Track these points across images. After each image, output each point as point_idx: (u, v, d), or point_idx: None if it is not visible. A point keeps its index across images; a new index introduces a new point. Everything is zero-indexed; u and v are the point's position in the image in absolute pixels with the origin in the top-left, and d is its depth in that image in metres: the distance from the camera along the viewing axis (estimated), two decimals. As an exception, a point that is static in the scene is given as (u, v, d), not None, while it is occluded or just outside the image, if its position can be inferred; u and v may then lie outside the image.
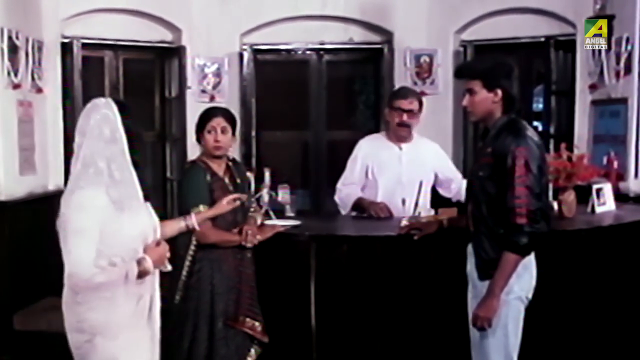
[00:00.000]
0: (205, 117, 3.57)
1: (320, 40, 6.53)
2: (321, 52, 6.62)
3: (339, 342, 3.80)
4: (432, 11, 6.30)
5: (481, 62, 3.61)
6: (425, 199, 4.32)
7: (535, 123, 6.53)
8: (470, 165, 4.23)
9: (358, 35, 6.55)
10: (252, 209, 3.72)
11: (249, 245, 3.50)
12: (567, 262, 3.78)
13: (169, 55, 6.38)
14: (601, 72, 5.30)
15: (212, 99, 6.28)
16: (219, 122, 3.54)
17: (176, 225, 3.12)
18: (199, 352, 3.45)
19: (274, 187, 4.24)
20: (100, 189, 2.56)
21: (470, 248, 3.25)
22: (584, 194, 4.30)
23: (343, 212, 4.48)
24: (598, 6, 5.29)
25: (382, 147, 4.45)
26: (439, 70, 6.32)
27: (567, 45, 5.88)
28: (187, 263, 3.47)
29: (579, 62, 5.64)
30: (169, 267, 2.81)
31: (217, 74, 6.37)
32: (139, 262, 2.62)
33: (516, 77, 3.20)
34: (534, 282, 3.16)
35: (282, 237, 3.77)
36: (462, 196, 3.83)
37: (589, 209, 4.32)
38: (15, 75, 5.02)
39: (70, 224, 2.54)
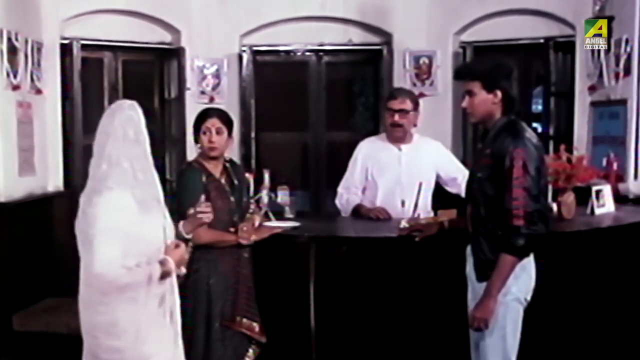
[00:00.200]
0: (201, 118, 3.58)
1: (320, 42, 6.53)
2: (320, 54, 6.61)
3: (339, 343, 3.80)
4: (432, 12, 6.29)
5: (481, 64, 3.60)
6: (426, 200, 4.31)
7: (535, 124, 6.52)
8: (469, 166, 4.22)
9: (357, 37, 6.54)
10: (250, 210, 3.72)
11: (243, 242, 3.50)
12: (567, 263, 3.78)
13: (168, 57, 6.37)
14: (600, 74, 5.30)
15: (211, 100, 6.28)
16: (213, 123, 3.54)
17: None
18: (196, 353, 3.44)
19: (273, 189, 4.24)
20: (127, 190, 2.57)
21: (469, 249, 3.25)
22: (583, 196, 4.30)
23: (343, 215, 4.48)
24: (597, 7, 5.29)
25: (381, 148, 4.44)
26: (439, 72, 6.31)
27: (567, 47, 5.87)
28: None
29: (579, 64, 5.63)
30: (184, 271, 2.81)
31: (217, 75, 6.37)
32: (162, 263, 2.65)
33: (516, 78, 3.19)
34: (533, 284, 3.16)
35: (281, 238, 3.77)
36: None
37: (588, 211, 4.33)
38: (15, 76, 5.01)
39: (97, 224, 2.52)
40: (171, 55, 6.34)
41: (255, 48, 6.44)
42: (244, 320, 3.54)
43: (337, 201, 4.54)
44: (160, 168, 6.41)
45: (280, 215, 4.19)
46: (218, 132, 3.54)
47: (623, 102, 5.09)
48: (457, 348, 3.38)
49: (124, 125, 2.62)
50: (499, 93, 3.12)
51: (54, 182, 5.61)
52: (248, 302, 3.57)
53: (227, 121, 3.60)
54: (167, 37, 6.33)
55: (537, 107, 6.83)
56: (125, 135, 2.61)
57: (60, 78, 5.67)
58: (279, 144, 6.84)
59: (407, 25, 6.33)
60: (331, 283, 3.78)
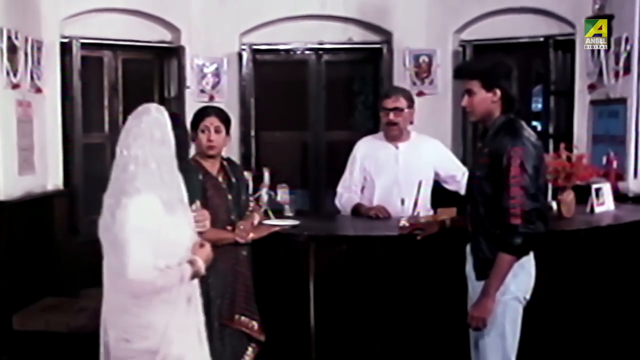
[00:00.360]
0: (199, 117, 3.58)
1: (320, 40, 6.53)
2: (320, 52, 6.61)
3: (338, 342, 3.80)
4: (431, 11, 6.29)
5: (480, 63, 3.61)
6: (425, 198, 4.30)
7: (534, 123, 6.53)
8: (469, 165, 4.22)
9: (357, 35, 6.55)
10: (250, 209, 3.72)
11: (241, 241, 3.49)
12: (566, 262, 3.78)
13: (168, 55, 6.37)
14: (600, 72, 5.30)
15: (211, 99, 6.28)
16: (212, 121, 3.54)
17: None
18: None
19: (273, 187, 4.24)
20: (155, 192, 2.58)
21: (469, 248, 3.25)
22: (583, 194, 4.30)
23: (343, 213, 4.49)
24: (597, 6, 5.29)
25: (379, 147, 4.44)
26: (438, 71, 6.32)
27: (566, 45, 5.87)
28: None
29: (578, 62, 5.64)
30: (203, 271, 2.82)
31: (216, 74, 6.37)
32: (191, 262, 2.68)
33: (515, 77, 3.19)
34: (532, 283, 3.16)
35: (281, 237, 3.77)
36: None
37: (588, 209, 4.33)
38: (15, 75, 5.01)
39: (128, 227, 2.52)
40: (171, 54, 6.34)
41: (255, 47, 6.44)
42: (243, 318, 3.54)
43: (336, 201, 4.54)
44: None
45: (280, 214, 4.19)
46: (217, 131, 3.53)
47: (623, 101, 5.09)
48: (457, 347, 3.38)
49: (151, 126, 2.63)
50: (498, 92, 3.12)
51: (54, 181, 5.62)
52: (247, 301, 3.57)
53: (225, 119, 3.60)
54: (167, 35, 6.33)
55: (537, 105, 6.84)
56: (152, 137, 2.62)
57: (60, 77, 5.67)
58: (278, 142, 6.83)
59: (407, 23, 6.33)
60: (331, 282, 3.77)
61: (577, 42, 5.64)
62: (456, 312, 3.30)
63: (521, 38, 6.06)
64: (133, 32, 6.12)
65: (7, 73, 4.94)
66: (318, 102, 6.66)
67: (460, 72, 3.43)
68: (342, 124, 6.90)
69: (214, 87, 6.37)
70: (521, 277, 3.09)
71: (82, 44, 5.81)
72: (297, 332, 3.82)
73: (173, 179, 2.67)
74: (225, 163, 3.65)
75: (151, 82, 6.43)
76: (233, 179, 3.61)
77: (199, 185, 3.45)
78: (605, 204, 4.40)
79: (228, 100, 6.20)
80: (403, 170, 4.34)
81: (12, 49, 4.99)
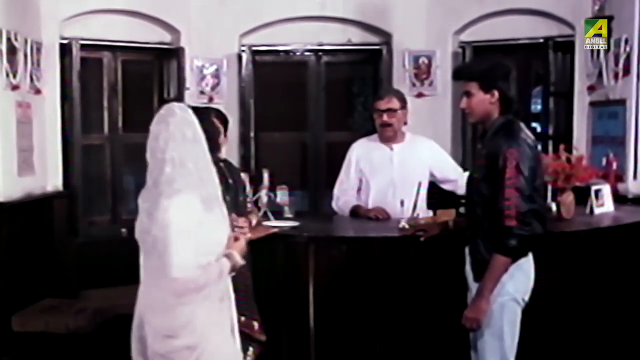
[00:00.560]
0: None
1: (319, 42, 6.53)
2: (320, 53, 6.61)
3: (338, 343, 3.80)
4: (431, 12, 6.30)
5: (478, 64, 3.61)
6: (421, 199, 4.29)
7: (534, 124, 6.53)
8: (468, 167, 4.22)
9: (356, 37, 6.55)
10: (248, 209, 3.71)
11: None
12: (566, 263, 3.78)
13: (167, 57, 6.37)
14: (600, 74, 5.30)
15: (210, 100, 6.28)
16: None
17: None
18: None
19: (272, 188, 4.24)
20: (195, 191, 2.59)
21: (467, 249, 3.25)
22: (582, 195, 4.30)
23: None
24: (597, 7, 5.30)
25: (373, 148, 4.44)
26: (438, 72, 6.32)
27: (566, 47, 5.87)
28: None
29: (578, 63, 5.64)
30: (242, 262, 2.82)
31: (216, 75, 6.37)
32: (228, 257, 2.71)
33: (514, 78, 3.19)
34: (531, 284, 3.15)
35: (281, 238, 3.77)
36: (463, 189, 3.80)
37: (587, 210, 4.33)
38: (14, 76, 5.01)
39: (171, 228, 2.53)
40: (170, 55, 6.34)
41: (254, 48, 6.44)
42: (243, 318, 3.53)
43: (333, 204, 4.54)
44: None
45: (279, 215, 4.19)
46: None
47: (622, 102, 5.10)
48: (457, 348, 3.38)
49: (181, 127, 2.62)
50: (496, 93, 3.12)
51: (53, 182, 5.62)
52: (246, 301, 3.56)
53: (223, 121, 3.59)
54: (166, 37, 6.33)
55: (537, 107, 6.84)
56: (184, 137, 2.62)
57: (59, 78, 5.68)
58: (278, 143, 6.83)
59: (407, 25, 6.33)
60: (330, 283, 3.78)
61: (577, 43, 5.64)
62: (456, 314, 3.28)
63: (521, 39, 6.06)
64: (132, 33, 6.12)
65: (7, 74, 4.95)
66: (317, 103, 6.67)
67: (459, 74, 3.44)
68: (341, 125, 6.89)
69: (213, 88, 6.36)
70: (518, 278, 3.08)
71: (82, 45, 5.81)
72: (297, 332, 3.82)
73: (209, 175, 2.68)
74: (222, 164, 3.65)
75: (151, 83, 6.43)
76: (230, 181, 3.61)
77: None
78: (604, 205, 4.40)
79: (227, 102, 6.20)
80: (398, 172, 4.34)
81: (12, 50, 4.99)
